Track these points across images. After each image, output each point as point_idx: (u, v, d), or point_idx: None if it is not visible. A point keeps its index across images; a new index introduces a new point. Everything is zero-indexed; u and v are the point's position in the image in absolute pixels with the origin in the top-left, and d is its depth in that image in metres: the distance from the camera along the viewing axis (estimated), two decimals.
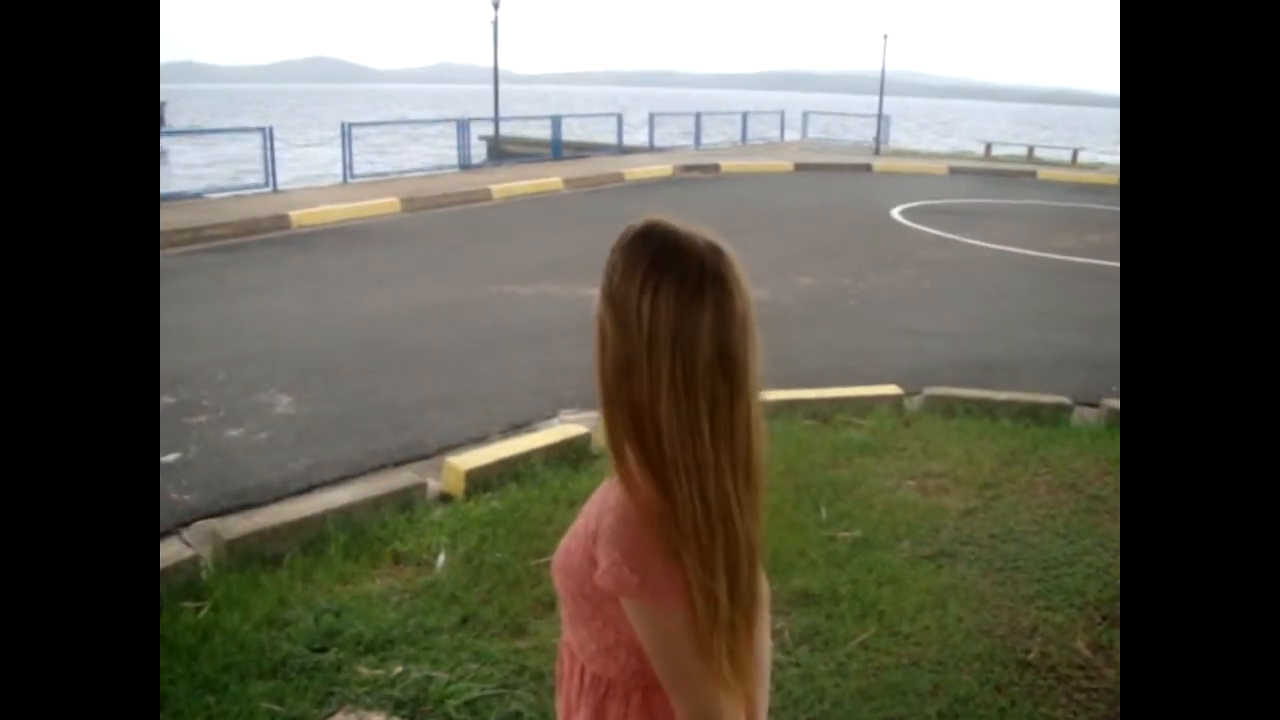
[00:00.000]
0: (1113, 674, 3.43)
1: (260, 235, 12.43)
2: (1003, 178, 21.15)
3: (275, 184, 16.01)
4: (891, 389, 6.10)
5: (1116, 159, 24.43)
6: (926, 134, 53.79)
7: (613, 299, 1.25)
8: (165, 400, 6.09)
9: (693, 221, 1.30)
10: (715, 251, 1.26)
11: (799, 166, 21.91)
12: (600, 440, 5.23)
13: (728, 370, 1.24)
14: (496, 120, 23.54)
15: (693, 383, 1.22)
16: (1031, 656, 3.52)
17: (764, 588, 1.57)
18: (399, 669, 3.31)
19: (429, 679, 3.25)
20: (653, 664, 1.35)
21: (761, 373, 1.28)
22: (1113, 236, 12.48)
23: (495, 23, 22.32)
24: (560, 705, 1.54)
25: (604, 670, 1.42)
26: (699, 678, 1.31)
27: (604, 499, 1.34)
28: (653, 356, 1.21)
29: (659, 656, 1.33)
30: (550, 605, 3.61)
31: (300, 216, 13.25)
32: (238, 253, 11.39)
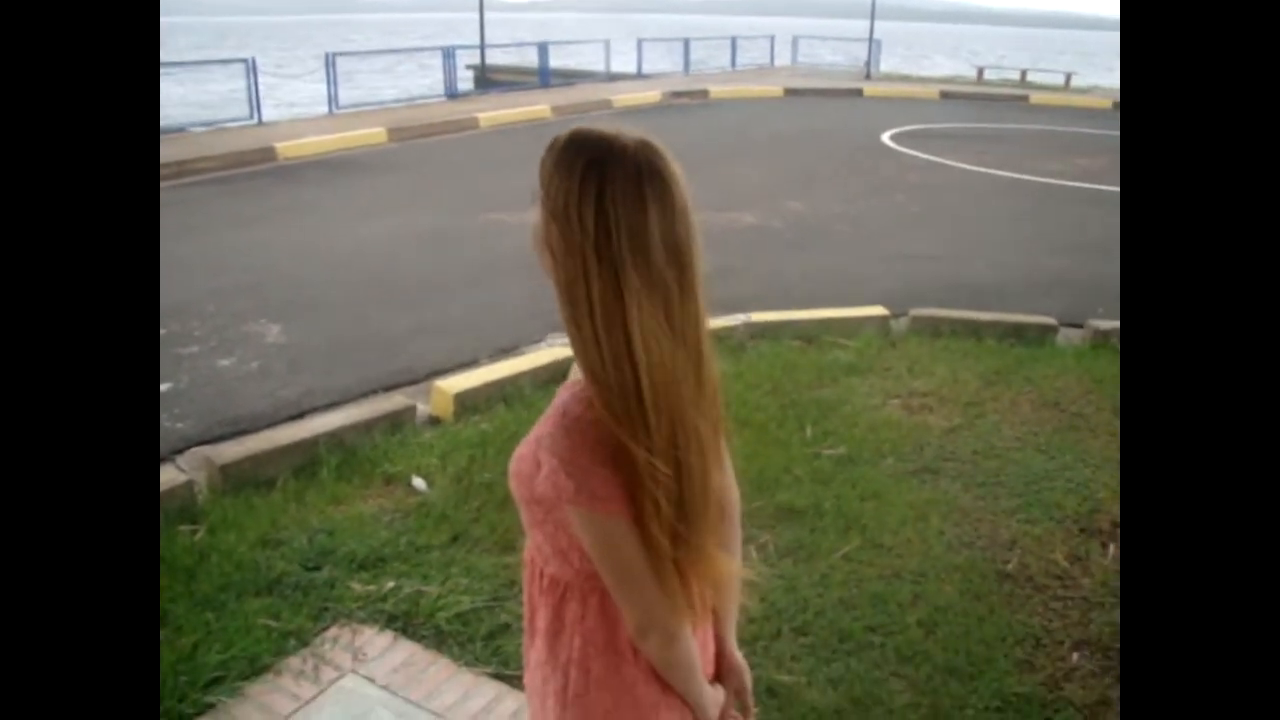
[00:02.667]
0: (1088, 583, 3.52)
1: (246, 168, 12.32)
2: (994, 102, 20.96)
3: (260, 116, 15.82)
4: (878, 310, 6.14)
5: (1109, 82, 24.21)
6: (918, 59, 53.11)
7: (554, 213, 1.24)
8: None
9: (678, 147, 1.31)
10: (648, 147, 1.27)
11: (789, 92, 21.67)
12: None
13: (677, 264, 1.26)
14: (483, 48, 23.20)
15: (648, 282, 1.24)
16: (1010, 567, 3.60)
17: (732, 496, 1.61)
18: (391, 584, 3.38)
19: (420, 593, 3.33)
20: (597, 567, 1.39)
21: (703, 268, 1.30)
22: (1102, 160, 12.43)
23: None
24: (525, 607, 1.59)
25: (560, 573, 1.46)
26: (642, 583, 1.34)
27: (553, 405, 1.36)
28: (604, 262, 1.22)
29: (600, 561, 1.36)
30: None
31: (286, 148, 13.12)
32: (224, 186, 11.30)
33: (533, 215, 1.33)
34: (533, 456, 1.37)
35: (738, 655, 1.67)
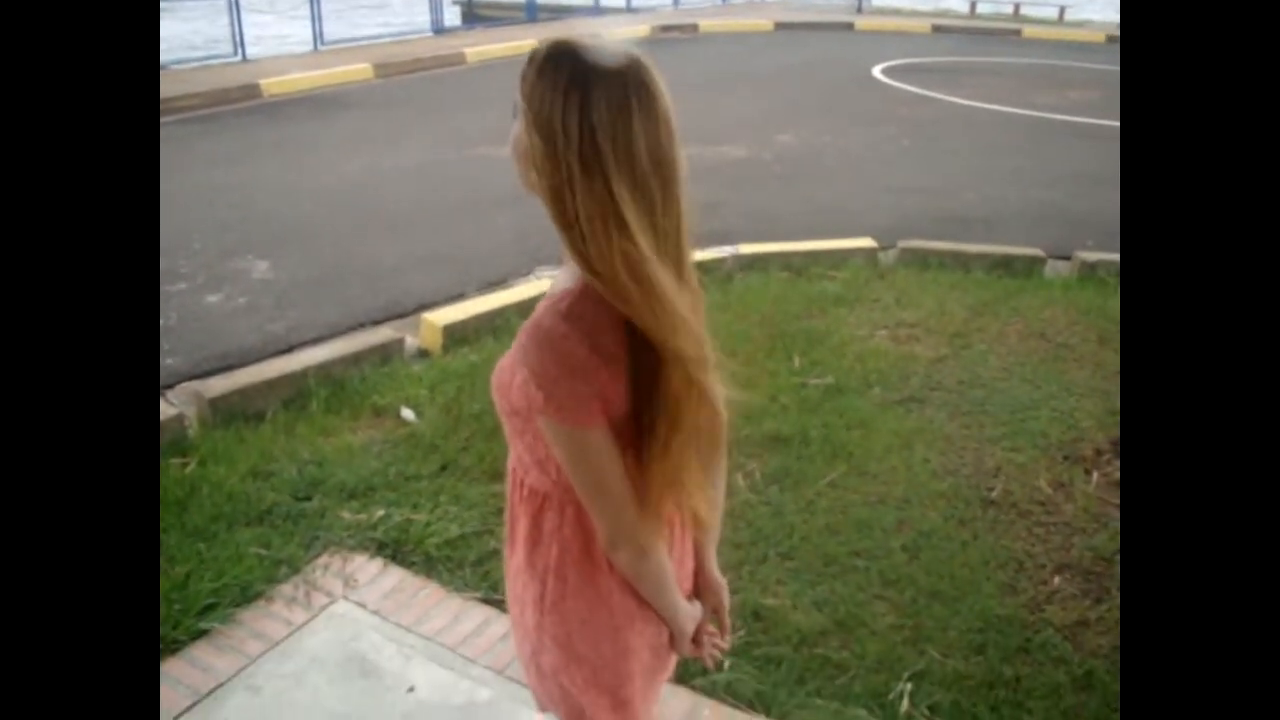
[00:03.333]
0: (1071, 509, 3.57)
1: (231, 105, 12.13)
2: (987, 36, 20.69)
3: (244, 53, 15.55)
4: (866, 242, 6.12)
5: (1103, 17, 23.91)
6: None
7: (539, 126, 1.24)
8: None
9: (667, 81, 1.30)
10: (629, 57, 1.27)
11: (779, 25, 21.36)
12: None
13: (660, 174, 1.26)
14: None
15: (633, 189, 1.23)
16: (994, 494, 3.65)
17: (717, 413, 1.62)
18: (381, 513, 3.41)
19: (410, 521, 3.36)
20: (569, 479, 1.40)
21: (686, 177, 1.30)
22: (1095, 94, 12.32)
23: None
24: (507, 516, 1.61)
25: (539, 483, 1.48)
26: (612, 496, 1.36)
27: (530, 318, 1.37)
28: (590, 170, 1.22)
29: (571, 473, 1.38)
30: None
31: (271, 85, 12.92)
32: (208, 123, 11.14)
33: (514, 128, 1.32)
34: (512, 368, 1.38)
35: (717, 573, 1.70)
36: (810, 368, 4.55)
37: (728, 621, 1.74)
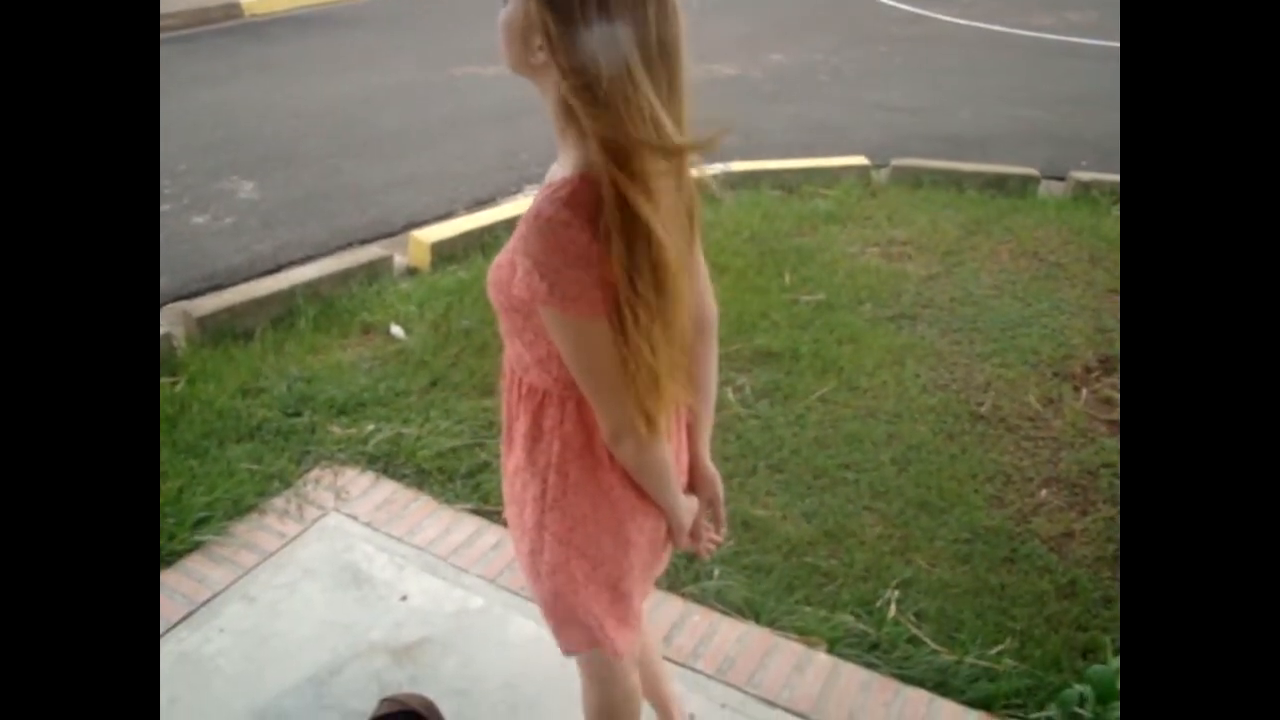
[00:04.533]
0: (1059, 424, 3.59)
1: (212, 25, 11.87)
2: None
3: None
4: (858, 160, 6.06)
5: None
6: None
7: (556, 9, 1.21)
8: None
9: None
10: None
11: None
12: None
13: (668, 65, 1.25)
14: None
15: (651, 73, 1.22)
16: (984, 409, 3.66)
17: (708, 311, 1.61)
18: (371, 428, 3.42)
19: (400, 435, 3.37)
20: (571, 372, 1.40)
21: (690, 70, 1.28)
22: (1093, 15, 12.12)
23: None
24: (504, 415, 1.60)
25: (539, 381, 1.47)
26: (615, 387, 1.35)
27: (528, 208, 1.35)
28: (610, 54, 1.21)
29: (573, 364, 1.37)
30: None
31: (252, 4, 12.62)
32: (189, 44, 10.92)
33: (506, 11, 1.30)
34: (510, 263, 1.36)
35: (711, 466, 1.71)
36: (801, 284, 4.53)
37: (723, 514, 1.75)
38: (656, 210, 1.26)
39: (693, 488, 1.69)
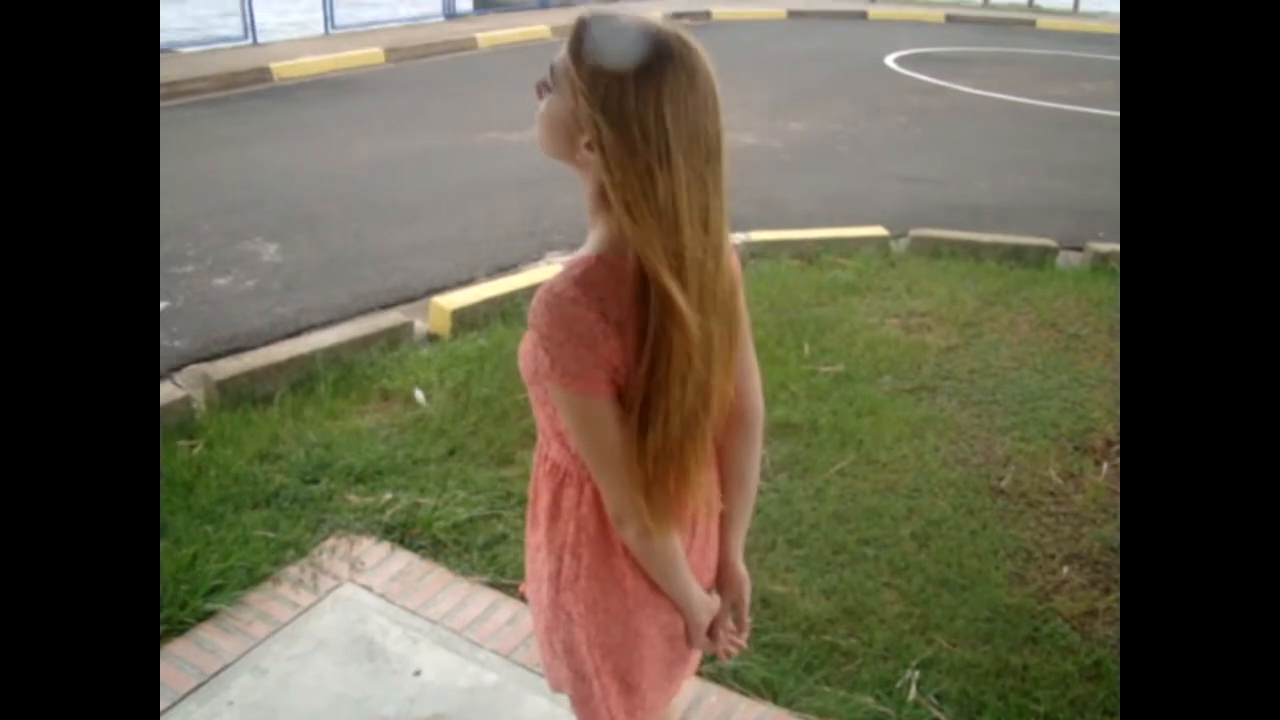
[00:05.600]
0: (1081, 499, 3.54)
1: (241, 89, 12.12)
2: (1001, 26, 20.58)
3: (255, 36, 15.55)
4: (877, 230, 6.09)
5: (1118, 8, 23.72)
6: None
7: (606, 110, 1.22)
8: None
9: None
10: (681, 40, 1.26)
11: (792, 14, 21.26)
12: None
13: (714, 158, 1.27)
14: None
15: (693, 174, 1.24)
16: (1004, 483, 3.63)
17: (752, 403, 1.58)
18: (388, 496, 3.41)
19: (417, 505, 3.36)
20: (577, 448, 1.39)
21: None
22: (1108, 85, 12.23)
23: None
24: (530, 490, 1.60)
25: (560, 458, 1.47)
26: (617, 467, 1.35)
27: None
28: (671, 160, 1.22)
29: (576, 440, 1.37)
30: (536, 435, 3.69)
31: (281, 69, 12.90)
32: (218, 106, 11.13)
33: (549, 104, 1.31)
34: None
35: (741, 567, 1.66)
36: (820, 355, 4.53)
37: (747, 619, 1.69)
38: (689, 297, 1.26)
39: (719, 586, 1.65)
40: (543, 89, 1.33)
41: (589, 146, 1.26)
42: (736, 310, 1.42)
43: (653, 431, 1.32)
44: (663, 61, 1.22)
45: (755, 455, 1.61)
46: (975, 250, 5.89)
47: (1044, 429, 3.99)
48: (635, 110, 1.21)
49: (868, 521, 3.37)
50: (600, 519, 1.45)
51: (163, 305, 5.27)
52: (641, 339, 1.28)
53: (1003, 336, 4.82)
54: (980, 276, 5.55)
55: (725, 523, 1.61)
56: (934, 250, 5.91)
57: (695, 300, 1.28)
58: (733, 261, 1.39)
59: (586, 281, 1.28)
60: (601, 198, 1.30)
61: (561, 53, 1.29)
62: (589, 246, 1.34)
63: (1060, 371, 4.47)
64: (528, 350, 1.34)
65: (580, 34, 1.27)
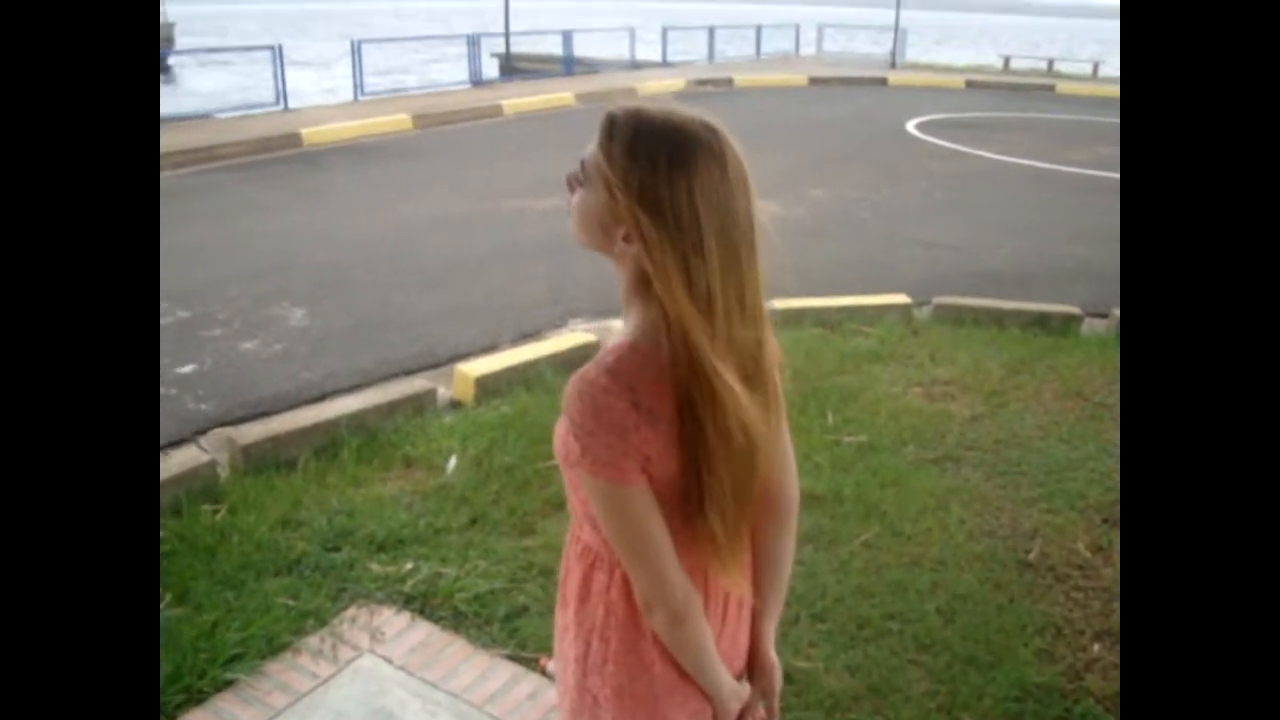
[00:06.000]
0: (1110, 573, 3.49)
1: (272, 154, 12.37)
2: (1021, 91, 20.77)
3: (286, 102, 15.90)
4: (900, 298, 6.10)
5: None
6: (943, 47, 52.63)
7: (642, 201, 1.25)
8: (180, 314, 6.15)
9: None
10: (710, 128, 1.29)
11: (813, 80, 21.55)
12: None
13: (748, 241, 1.29)
14: (508, 36, 23.18)
15: (728, 259, 1.26)
16: (1031, 556, 3.58)
17: (788, 490, 1.57)
18: (410, 566, 3.39)
19: (439, 575, 3.34)
20: (606, 534, 1.39)
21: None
22: None
23: None
24: (561, 570, 1.59)
25: (592, 540, 1.46)
26: (647, 557, 1.34)
27: None
28: (705, 246, 1.24)
29: (606, 528, 1.37)
30: (558, 505, 3.68)
31: (311, 134, 13.18)
32: (250, 171, 11.35)
33: (581, 198, 1.32)
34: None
35: (772, 654, 1.63)
36: (844, 425, 4.51)
37: (777, 707, 1.66)
38: (733, 378, 1.27)
39: (750, 673, 1.63)
40: (574, 183, 1.35)
41: (626, 238, 1.28)
42: (777, 391, 1.43)
43: (692, 520, 1.32)
44: (694, 151, 1.25)
45: (790, 542, 1.59)
46: (999, 318, 5.88)
47: (1071, 500, 3.94)
48: (670, 200, 1.23)
49: (893, 595, 3.33)
50: (629, 604, 1.44)
51: (190, 368, 5.33)
52: (679, 428, 1.29)
53: (1028, 406, 4.79)
54: (1004, 344, 5.54)
55: (757, 610, 1.59)
56: (957, 318, 5.91)
57: (739, 381, 1.28)
58: (772, 342, 1.40)
59: (619, 370, 1.29)
60: (637, 287, 1.32)
61: (591, 148, 1.31)
62: (623, 334, 1.35)
63: (1087, 441, 4.43)
64: (561, 435, 1.35)
65: (610, 129, 1.29)
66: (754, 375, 1.33)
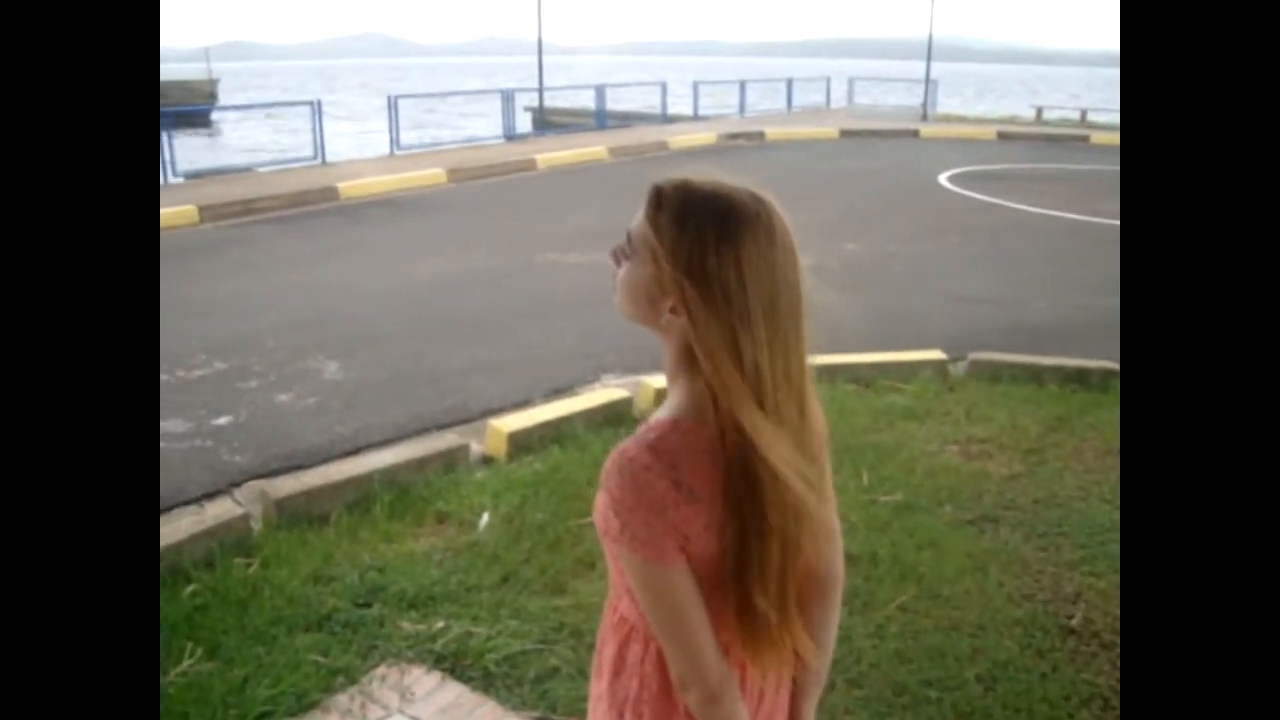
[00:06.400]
0: None
1: (309, 207, 12.58)
2: (1053, 142, 20.76)
3: (324, 157, 16.18)
4: (935, 354, 6.05)
5: None
6: (975, 99, 52.83)
7: (691, 276, 1.24)
8: (218, 365, 6.22)
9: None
10: (758, 199, 1.28)
11: (845, 133, 21.66)
12: (642, 404, 5.28)
13: (795, 312, 1.28)
14: (541, 91, 23.55)
15: (773, 330, 1.25)
16: (1075, 622, 3.49)
17: (835, 563, 1.55)
18: (440, 624, 3.37)
19: (469, 634, 3.31)
20: (643, 610, 1.37)
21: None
22: None
23: None
24: (599, 635, 1.57)
25: (629, 612, 1.45)
26: (682, 635, 1.32)
27: None
28: (752, 319, 1.23)
29: (642, 604, 1.35)
30: (590, 565, 3.65)
31: (348, 188, 13.39)
32: (288, 224, 11.53)
33: (628, 270, 1.32)
34: None
35: None
36: (879, 484, 4.45)
37: None
38: (781, 452, 1.25)
39: None
40: (620, 255, 1.35)
41: (674, 310, 1.27)
42: (824, 464, 1.41)
43: (732, 599, 1.30)
44: (741, 222, 1.24)
45: (834, 619, 1.56)
46: (1036, 374, 5.82)
47: (1114, 564, 3.85)
48: (717, 273, 1.22)
49: (930, 661, 3.26)
50: (663, 678, 1.42)
51: (226, 419, 5.38)
52: (722, 507, 1.27)
53: (1067, 464, 4.71)
54: (1042, 401, 5.47)
55: (797, 690, 1.56)
56: (993, 374, 5.85)
57: (788, 455, 1.27)
58: (818, 414, 1.39)
59: (660, 448, 1.28)
60: (683, 360, 1.31)
61: (638, 220, 1.31)
62: (666, 410, 1.34)
63: None
64: (601, 509, 1.33)
65: (658, 201, 1.29)
66: (802, 448, 1.31)
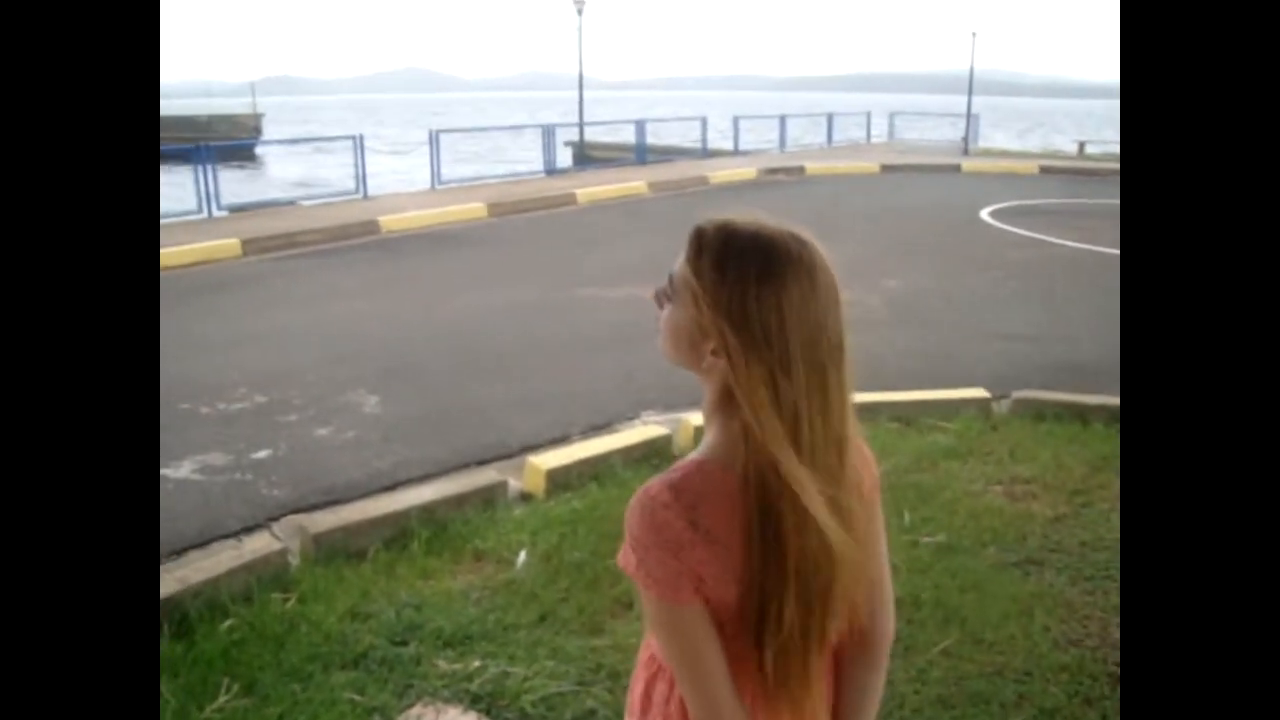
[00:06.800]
0: None
1: (351, 240, 12.73)
2: (1097, 177, 20.57)
3: (366, 191, 16.39)
4: (978, 392, 5.97)
5: None
6: (1018, 136, 52.57)
7: (731, 319, 1.23)
8: (258, 399, 6.27)
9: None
10: (800, 241, 1.27)
11: (885, 168, 21.62)
12: (681, 441, 5.25)
13: (836, 354, 1.26)
14: (581, 126, 23.77)
15: (813, 373, 1.23)
16: None
17: (883, 623, 1.48)
18: (477, 664, 3.34)
19: (506, 674, 3.28)
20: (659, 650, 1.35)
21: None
22: None
23: (579, 29, 22.62)
24: (635, 673, 1.54)
25: (658, 649, 1.42)
26: (699, 678, 1.29)
27: None
28: (791, 363, 1.22)
29: (657, 643, 1.34)
30: (628, 605, 3.62)
31: (389, 222, 13.54)
32: (329, 257, 11.67)
33: (670, 313, 1.31)
34: None
35: None
36: (921, 524, 4.38)
37: None
38: (816, 498, 1.23)
39: None
40: (662, 298, 1.34)
41: (715, 353, 1.26)
42: (872, 511, 1.38)
43: (760, 650, 1.27)
44: (783, 266, 1.23)
45: (879, 683, 1.50)
46: (1081, 412, 5.72)
47: None
48: (758, 316, 1.21)
49: (974, 708, 3.18)
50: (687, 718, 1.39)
51: (265, 453, 5.41)
52: (743, 553, 1.24)
53: (1114, 506, 4.61)
54: (1088, 440, 5.37)
55: None
56: (1038, 413, 5.76)
57: (823, 501, 1.24)
58: (866, 459, 1.36)
59: (681, 487, 1.26)
60: (721, 403, 1.29)
61: (680, 262, 1.30)
62: (698, 451, 1.32)
63: None
64: (625, 546, 1.32)
65: (699, 244, 1.28)
66: (839, 493, 1.28)
